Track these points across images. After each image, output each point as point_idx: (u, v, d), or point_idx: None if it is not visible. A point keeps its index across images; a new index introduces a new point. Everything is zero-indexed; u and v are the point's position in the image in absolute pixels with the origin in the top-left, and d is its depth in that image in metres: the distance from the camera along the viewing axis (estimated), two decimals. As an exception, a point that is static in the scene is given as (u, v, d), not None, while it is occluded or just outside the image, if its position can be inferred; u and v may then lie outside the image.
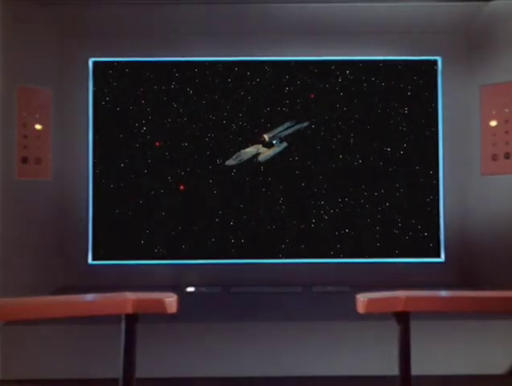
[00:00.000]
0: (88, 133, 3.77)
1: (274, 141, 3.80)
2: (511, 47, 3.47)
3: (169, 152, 3.82)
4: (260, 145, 3.84)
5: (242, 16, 3.60)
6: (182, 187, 3.81)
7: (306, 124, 3.83)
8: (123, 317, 1.63)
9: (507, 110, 3.52)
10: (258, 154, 3.84)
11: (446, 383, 2.98)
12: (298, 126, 3.82)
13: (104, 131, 3.80)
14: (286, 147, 3.83)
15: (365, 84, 3.83)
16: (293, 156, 3.85)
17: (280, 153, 3.84)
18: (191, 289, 3.64)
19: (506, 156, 3.52)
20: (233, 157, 3.85)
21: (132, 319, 1.63)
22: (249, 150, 3.83)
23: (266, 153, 3.84)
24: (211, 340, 3.06)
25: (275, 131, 3.83)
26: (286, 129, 3.82)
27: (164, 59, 3.81)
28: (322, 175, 3.83)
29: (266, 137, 3.83)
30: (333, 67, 3.83)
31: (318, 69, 3.83)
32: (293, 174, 3.84)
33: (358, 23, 3.65)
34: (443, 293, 1.83)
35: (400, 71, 3.82)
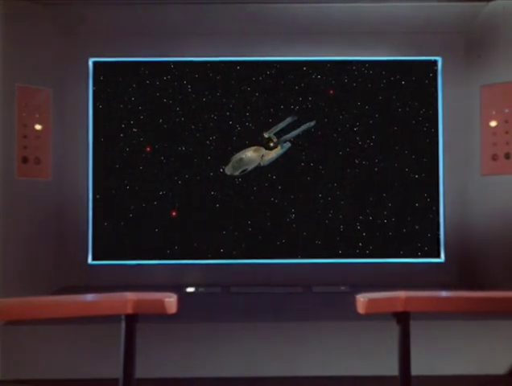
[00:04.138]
0: (88, 133, 3.77)
1: (279, 144, 3.74)
2: (511, 47, 3.47)
3: (169, 152, 3.81)
4: (262, 148, 3.80)
5: (242, 16, 3.60)
6: (182, 187, 3.81)
7: (313, 123, 3.80)
8: (123, 317, 1.63)
9: (507, 110, 3.52)
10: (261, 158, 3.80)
11: (446, 383, 2.98)
12: (305, 126, 3.79)
13: (104, 131, 3.80)
14: (289, 148, 3.82)
15: (364, 85, 3.83)
16: (291, 156, 3.84)
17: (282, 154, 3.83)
18: (191, 289, 3.64)
19: (506, 156, 3.52)
20: (235, 163, 3.76)
21: (132, 319, 1.63)
22: (253, 157, 3.77)
23: (269, 156, 3.80)
24: (211, 340, 3.06)
25: (277, 128, 3.80)
26: (288, 125, 3.79)
27: (164, 59, 3.81)
28: (321, 176, 3.83)
29: (265, 135, 3.79)
30: (333, 67, 3.82)
31: (317, 69, 3.83)
32: (293, 175, 3.84)
33: (358, 23, 3.65)
34: (443, 293, 1.83)
35: (400, 71, 3.82)
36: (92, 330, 2.98)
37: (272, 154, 3.81)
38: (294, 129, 3.81)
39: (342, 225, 3.81)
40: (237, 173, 3.78)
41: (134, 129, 3.81)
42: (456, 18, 3.63)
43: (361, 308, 1.67)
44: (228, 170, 3.79)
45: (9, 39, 3.29)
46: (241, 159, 3.77)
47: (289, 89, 3.83)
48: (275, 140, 3.78)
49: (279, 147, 3.81)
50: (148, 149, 3.81)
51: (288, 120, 3.81)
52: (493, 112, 3.57)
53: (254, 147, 3.82)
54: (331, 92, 3.83)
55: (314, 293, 3.63)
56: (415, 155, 3.81)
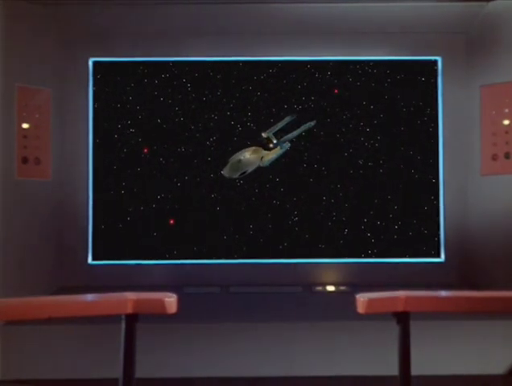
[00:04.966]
0: (88, 133, 3.77)
1: (279, 145, 3.72)
2: (511, 47, 3.47)
3: (170, 152, 3.81)
4: (261, 149, 3.78)
5: (242, 16, 3.60)
6: (182, 187, 3.81)
7: (313, 123, 3.79)
8: (123, 317, 1.63)
9: (507, 110, 3.52)
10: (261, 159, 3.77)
11: (446, 383, 2.98)
12: (305, 126, 3.77)
13: (104, 131, 3.80)
14: (288, 148, 3.80)
15: (364, 85, 3.82)
16: (290, 156, 3.84)
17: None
18: (191, 289, 3.64)
19: (506, 156, 3.52)
20: (233, 164, 3.72)
21: (132, 319, 1.63)
22: (252, 158, 3.74)
23: (268, 157, 3.78)
24: (211, 340, 3.06)
25: (276, 127, 3.78)
26: (286, 124, 3.77)
27: (164, 59, 3.81)
28: (321, 175, 3.82)
29: (264, 135, 3.77)
30: (334, 67, 3.82)
31: (318, 69, 3.83)
32: (293, 175, 3.83)
33: (358, 23, 3.65)
34: (443, 293, 1.83)
35: (400, 71, 3.82)
36: (92, 330, 2.98)
37: (271, 155, 3.79)
38: (293, 128, 3.80)
39: (342, 225, 3.81)
40: (236, 175, 3.76)
41: (134, 129, 3.81)
42: (456, 18, 3.63)
43: (361, 308, 1.67)
44: (227, 172, 3.76)
45: (9, 39, 3.29)
46: (239, 161, 3.75)
47: (290, 89, 3.83)
48: (274, 140, 3.77)
49: (279, 148, 3.79)
50: (148, 149, 3.81)
51: (287, 119, 3.79)
52: (493, 112, 3.57)
53: (253, 148, 3.80)
54: (332, 91, 3.83)
55: (314, 293, 3.63)
56: (415, 155, 3.81)
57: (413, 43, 3.78)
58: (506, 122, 3.53)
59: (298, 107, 3.82)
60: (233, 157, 3.77)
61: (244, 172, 3.75)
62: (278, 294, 3.59)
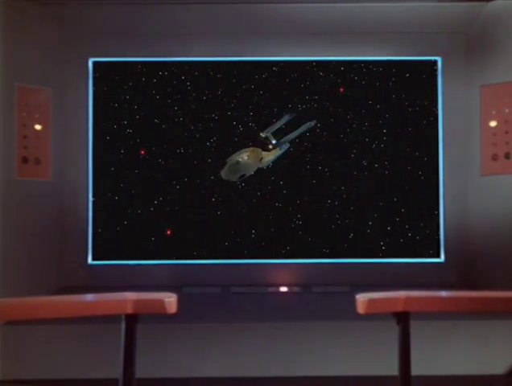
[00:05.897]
0: (88, 133, 3.77)
1: (278, 146, 3.71)
2: (511, 47, 3.47)
3: (170, 152, 3.81)
4: (260, 150, 3.77)
5: (242, 16, 3.60)
6: (183, 188, 3.81)
7: (313, 123, 3.78)
8: (123, 317, 1.63)
9: (507, 110, 3.52)
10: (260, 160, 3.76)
11: (446, 383, 2.98)
12: (305, 127, 3.76)
13: (104, 131, 3.80)
14: (288, 148, 3.80)
15: (364, 85, 3.82)
16: (292, 157, 3.84)
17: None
18: (191, 289, 3.63)
19: (506, 156, 3.52)
20: (231, 166, 3.70)
21: (132, 319, 1.63)
22: (250, 161, 3.72)
23: (267, 158, 3.76)
24: (211, 340, 3.06)
25: (274, 127, 3.77)
26: (285, 123, 3.76)
27: (164, 59, 3.81)
28: (321, 175, 3.82)
29: (262, 135, 3.76)
30: (333, 67, 3.82)
31: (318, 69, 3.83)
32: (293, 174, 3.83)
33: (358, 23, 3.64)
34: (443, 293, 1.83)
35: (400, 71, 3.82)
36: (92, 330, 2.98)
37: (270, 156, 3.77)
38: (292, 127, 3.79)
39: (342, 226, 3.80)
40: (235, 178, 3.74)
41: (134, 129, 3.81)
42: (456, 18, 3.63)
43: (361, 308, 1.67)
44: (225, 174, 3.74)
45: (9, 39, 3.29)
46: (237, 162, 3.72)
47: (292, 89, 3.82)
48: (273, 140, 3.76)
49: (278, 148, 3.78)
50: (149, 149, 3.81)
51: (285, 118, 3.79)
52: (493, 112, 3.57)
53: (251, 148, 3.78)
54: (333, 91, 3.82)
55: (314, 293, 3.63)
56: (415, 155, 3.81)
57: (413, 43, 3.78)
58: (506, 122, 3.53)
59: (299, 107, 3.82)
60: (231, 158, 3.75)
61: (242, 175, 3.73)
62: (278, 294, 3.59)
